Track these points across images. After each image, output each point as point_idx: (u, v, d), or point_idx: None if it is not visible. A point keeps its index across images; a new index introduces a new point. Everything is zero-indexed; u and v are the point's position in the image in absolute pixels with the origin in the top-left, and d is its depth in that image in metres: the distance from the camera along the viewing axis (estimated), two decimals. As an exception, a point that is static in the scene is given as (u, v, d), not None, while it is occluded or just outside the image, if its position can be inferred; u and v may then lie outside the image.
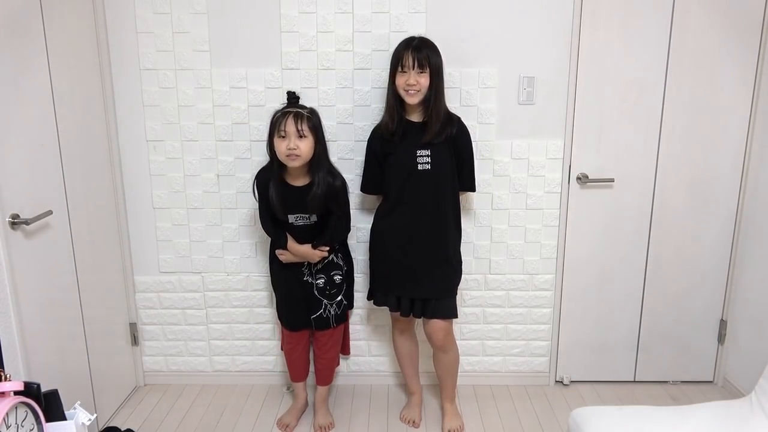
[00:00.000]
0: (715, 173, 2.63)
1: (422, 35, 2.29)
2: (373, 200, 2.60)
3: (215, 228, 2.71)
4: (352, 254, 2.57)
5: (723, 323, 2.79)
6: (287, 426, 2.52)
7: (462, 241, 2.47)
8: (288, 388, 2.82)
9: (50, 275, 2.11)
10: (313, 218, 2.31)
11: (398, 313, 2.43)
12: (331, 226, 2.33)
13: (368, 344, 2.84)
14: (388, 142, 2.31)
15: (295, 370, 2.56)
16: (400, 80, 2.21)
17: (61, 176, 2.19)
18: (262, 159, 2.47)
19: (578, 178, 2.63)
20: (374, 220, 2.45)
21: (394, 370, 2.86)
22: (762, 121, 2.55)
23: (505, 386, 2.86)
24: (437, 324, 2.38)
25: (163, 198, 2.68)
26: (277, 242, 2.37)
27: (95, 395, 2.44)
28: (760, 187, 2.58)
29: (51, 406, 1.68)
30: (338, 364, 2.67)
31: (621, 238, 2.70)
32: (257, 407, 2.70)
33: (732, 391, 2.73)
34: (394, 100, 2.26)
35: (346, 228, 2.41)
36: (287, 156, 2.18)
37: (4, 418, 1.42)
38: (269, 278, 2.55)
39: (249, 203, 2.65)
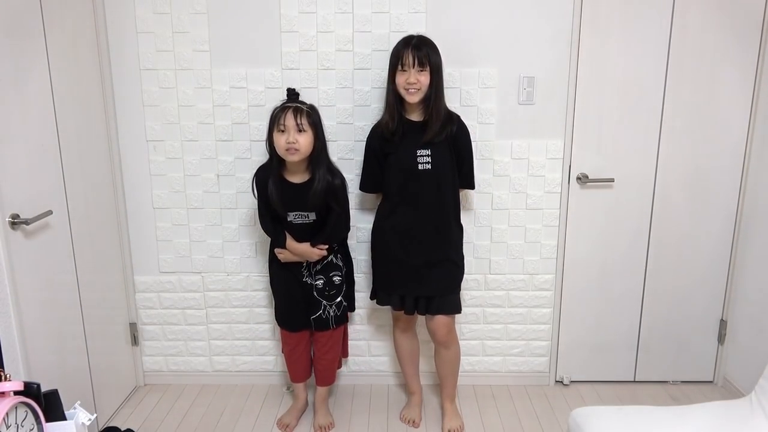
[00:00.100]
0: (715, 173, 2.63)
1: (421, 33, 2.29)
2: (373, 200, 2.60)
3: (215, 228, 2.71)
4: (352, 254, 2.57)
5: (723, 323, 2.79)
6: (287, 426, 2.52)
7: (463, 238, 2.47)
8: (288, 388, 2.82)
9: (50, 275, 2.11)
10: (312, 216, 2.31)
11: (402, 311, 2.43)
12: (330, 224, 2.32)
13: (368, 344, 2.84)
14: (388, 142, 2.31)
15: (295, 371, 2.56)
16: (401, 79, 2.20)
17: (61, 176, 2.19)
18: (261, 159, 2.47)
19: (578, 178, 2.63)
20: (375, 220, 2.44)
21: (394, 370, 2.86)
22: (762, 121, 2.55)
23: (505, 386, 2.86)
24: (441, 320, 2.38)
25: (163, 198, 2.68)
26: (276, 241, 2.37)
27: (95, 395, 2.44)
28: (760, 186, 2.58)
29: (51, 406, 1.67)
30: (340, 366, 2.67)
31: (621, 238, 2.70)
32: (257, 407, 2.70)
33: (732, 391, 2.73)
34: (394, 100, 2.26)
35: (346, 227, 2.41)
36: (286, 150, 2.18)
37: (4, 418, 1.42)
38: (269, 279, 2.55)
39: (249, 203, 2.65)
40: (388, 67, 2.27)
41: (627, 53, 2.51)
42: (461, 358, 2.63)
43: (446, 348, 2.45)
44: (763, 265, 2.57)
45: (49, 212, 2.07)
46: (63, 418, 1.70)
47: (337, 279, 2.42)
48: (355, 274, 2.62)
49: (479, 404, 2.71)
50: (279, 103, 2.26)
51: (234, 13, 2.48)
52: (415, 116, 2.30)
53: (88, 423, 1.74)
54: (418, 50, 2.18)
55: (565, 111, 2.57)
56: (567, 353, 2.84)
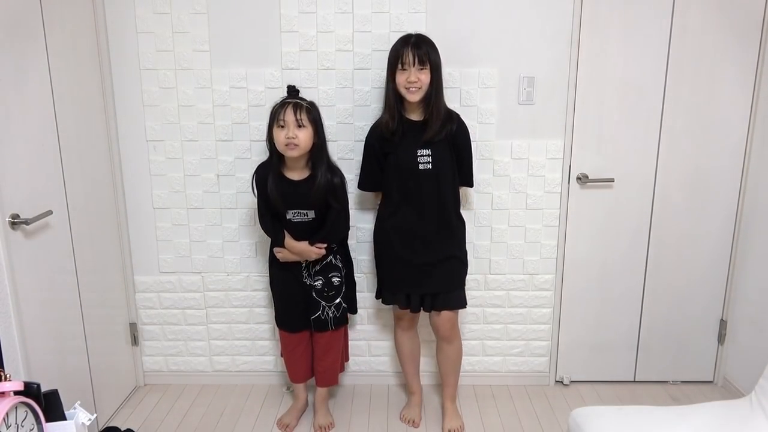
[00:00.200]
0: (715, 173, 2.63)
1: (418, 32, 2.29)
2: (372, 199, 2.60)
3: (215, 228, 2.71)
4: (351, 254, 2.57)
5: (723, 323, 2.79)
6: (287, 426, 2.52)
7: (465, 233, 2.46)
8: (288, 388, 2.82)
9: (50, 275, 2.11)
10: (311, 215, 2.30)
11: (407, 310, 2.43)
12: (329, 222, 2.32)
13: (368, 344, 2.84)
14: (388, 141, 2.31)
15: (295, 372, 2.55)
16: (401, 78, 2.20)
17: (61, 176, 2.19)
18: (261, 159, 2.47)
19: (578, 178, 2.63)
20: (377, 220, 2.44)
21: (395, 370, 2.86)
22: (762, 121, 2.55)
23: (505, 386, 2.86)
24: (445, 315, 2.40)
25: (163, 198, 2.68)
26: (275, 239, 2.37)
27: (95, 395, 2.44)
28: (760, 187, 2.58)
29: (51, 406, 1.68)
30: (342, 370, 2.66)
31: (621, 238, 2.70)
32: (257, 407, 2.70)
33: (732, 391, 2.73)
34: (394, 99, 2.26)
35: (345, 226, 2.40)
36: (285, 145, 2.18)
37: (4, 418, 1.42)
38: (269, 280, 2.54)
39: (249, 203, 2.65)
40: (386, 66, 2.27)
41: (627, 53, 2.51)
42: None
43: (449, 343, 2.46)
44: (763, 265, 2.57)
45: (49, 212, 2.07)
46: (63, 418, 1.70)
47: (336, 280, 2.41)
48: (355, 275, 2.61)
49: (479, 404, 2.71)
50: (279, 100, 2.26)
51: (234, 13, 2.48)
52: (415, 116, 2.30)
53: (88, 423, 1.74)
54: (417, 48, 2.18)
55: (565, 111, 2.57)
56: (567, 353, 2.84)
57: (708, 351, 2.84)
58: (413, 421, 2.55)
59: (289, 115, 2.17)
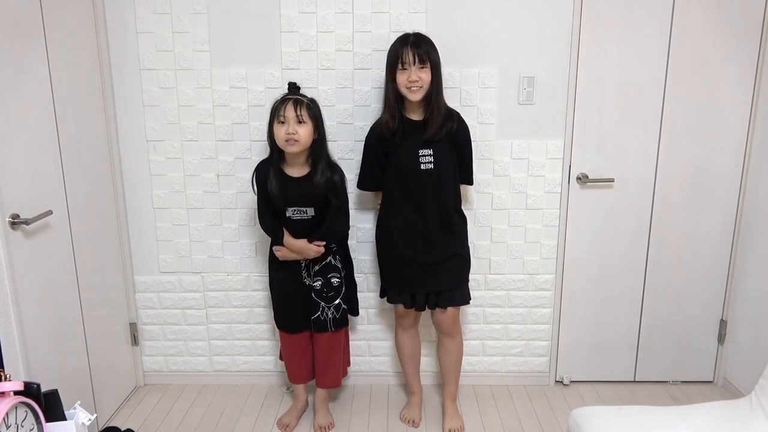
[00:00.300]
0: (715, 173, 2.63)
1: (416, 31, 2.29)
2: (372, 199, 2.60)
3: (215, 228, 2.71)
4: (352, 255, 2.56)
5: (723, 323, 2.79)
6: (287, 426, 2.52)
7: (467, 229, 2.46)
8: (288, 388, 2.82)
9: (50, 275, 2.11)
10: (311, 212, 2.30)
11: (411, 309, 2.44)
12: (328, 219, 2.32)
13: (368, 344, 2.84)
14: (389, 142, 2.31)
15: (294, 373, 2.54)
16: (402, 78, 2.20)
17: (61, 176, 2.19)
18: (261, 159, 2.46)
19: (578, 178, 2.63)
20: (379, 220, 2.44)
21: (395, 370, 2.86)
22: (762, 121, 2.55)
23: (505, 386, 2.86)
24: (449, 311, 2.41)
25: (163, 198, 2.68)
26: (274, 237, 2.36)
27: (95, 395, 2.44)
28: (760, 187, 2.58)
29: (51, 406, 1.68)
30: (345, 374, 2.63)
31: (621, 238, 2.70)
32: (257, 407, 2.70)
33: (732, 391, 2.73)
34: (395, 99, 2.26)
35: (345, 224, 2.40)
36: (286, 141, 2.18)
37: (4, 418, 1.42)
38: (269, 280, 2.54)
39: (249, 203, 2.65)
40: (385, 67, 2.27)
41: (627, 53, 2.51)
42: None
43: (451, 338, 2.46)
44: (763, 265, 2.57)
45: (49, 212, 2.07)
46: (63, 418, 1.70)
47: (335, 281, 2.41)
48: (355, 275, 2.61)
49: (479, 404, 2.71)
50: (280, 96, 2.27)
51: (234, 13, 2.48)
52: (416, 115, 2.30)
53: (88, 423, 1.74)
54: (417, 47, 2.18)
55: (565, 111, 2.57)
56: (567, 353, 2.84)
57: (708, 351, 2.84)
58: (413, 421, 2.55)
59: (289, 111, 2.18)
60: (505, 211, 2.67)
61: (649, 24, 2.48)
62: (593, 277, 2.74)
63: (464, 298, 2.44)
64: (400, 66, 2.19)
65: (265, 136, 2.40)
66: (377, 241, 2.46)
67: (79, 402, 1.83)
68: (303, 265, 2.39)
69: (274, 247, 2.38)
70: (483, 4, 2.46)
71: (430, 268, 2.35)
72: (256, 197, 2.38)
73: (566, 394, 2.79)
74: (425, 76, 2.19)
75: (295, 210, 2.30)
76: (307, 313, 2.42)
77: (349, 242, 2.57)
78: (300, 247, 2.33)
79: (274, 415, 2.63)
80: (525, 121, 2.57)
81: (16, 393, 1.51)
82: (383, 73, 2.34)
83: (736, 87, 2.54)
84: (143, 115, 2.59)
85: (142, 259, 2.74)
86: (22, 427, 1.51)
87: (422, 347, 2.68)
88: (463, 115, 2.37)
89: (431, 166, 2.26)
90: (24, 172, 1.96)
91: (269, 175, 2.27)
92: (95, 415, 1.88)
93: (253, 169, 2.36)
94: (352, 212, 2.52)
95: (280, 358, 2.63)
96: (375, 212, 2.62)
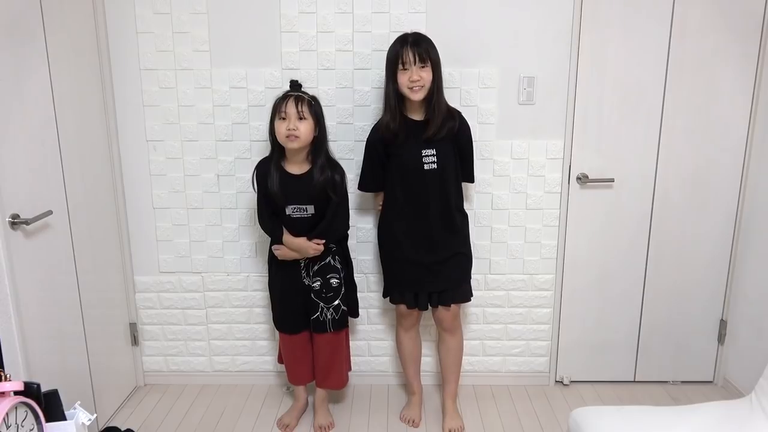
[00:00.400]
0: (715, 173, 2.63)
1: (415, 31, 2.29)
2: (372, 200, 2.60)
3: (215, 228, 2.71)
4: (351, 255, 2.56)
5: (723, 323, 2.79)
6: (287, 426, 2.52)
7: (468, 226, 2.47)
8: (288, 388, 2.82)
9: (50, 275, 2.11)
10: (310, 210, 2.30)
11: (414, 309, 2.44)
12: (328, 216, 2.32)
13: (368, 344, 2.84)
14: (391, 143, 2.31)
15: (294, 374, 2.54)
16: (403, 78, 2.19)
17: (61, 176, 2.19)
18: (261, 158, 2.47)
19: (578, 178, 2.63)
20: (382, 221, 2.44)
21: (395, 370, 2.86)
22: (762, 121, 2.55)
23: (505, 386, 2.86)
24: (451, 307, 2.42)
25: (163, 198, 2.68)
26: (273, 236, 2.36)
27: (95, 395, 2.44)
28: (760, 187, 2.58)
29: (51, 406, 1.67)
30: (347, 380, 2.59)
31: (621, 238, 2.70)
32: (257, 407, 2.70)
33: (732, 391, 2.73)
34: (395, 99, 2.25)
35: (344, 222, 2.39)
36: (286, 137, 2.19)
37: (4, 418, 1.42)
38: (268, 281, 2.53)
39: (249, 203, 2.65)
40: (385, 68, 2.27)
41: (627, 53, 2.51)
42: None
43: (452, 334, 2.47)
44: (763, 265, 2.57)
45: (49, 212, 2.07)
46: (63, 418, 1.70)
47: (334, 282, 2.41)
48: (355, 275, 2.61)
49: (479, 404, 2.71)
50: (281, 93, 2.27)
51: (234, 13, 2.48)
52: (417, 115, 2.29)
53: (88, 423, 1.74)
54: (417, 47, 2.18)
55: (565, 111, 2.57)
56: (567, 353, 2.84)
57: (708, 351, 2.83)
58: (413, 421, 2.55)
59: (290, 108, 2.18)
60: (505, 211, 2.67)
61: (649, 24, 2.48)
62: (593, 277, 2.74)
63: (466, 295, 2.45)
64: (400, 66, 2.19)
65: (265, 136, 2.40)
66: (380, 242, 2.46)
67: (79, 402, 1.83)
68: (302, 264, 2.39)
69: (273, 246, 2.38)
70: (483, 4, 2.46)
71: (435, 268, 2.35)
72: (256, 197, 2.38)
73: (566, 394, 2.79)
74: (426, 75, 2.18)
75: (294, 208, 2.30)
76: (306, 313, 2.42)
77: (349, 242, 2.57)
78: (299, 245, 2.33)
79: (274, 415, 2.63)
80: (525, 121, 2.57)
81: (16, 393, 1.51)
82: (383, 73, 2.34)
83: (736, 87, 2.54)
84: (143, 115, 2.59)
85: (142, 259, 2.74)
86: (22, 427, 1.51)
87: (423, 347, 2.68)
88: (463, 115, 2.37)
89: (435, 165, 2.26)
90: (24, 172, 1.96)
91: (270, 171, 2.28)
92: (95, 415, 1.88)
93: (254, 167, 2.36)
94: (352, 212, 2.52)
95: (279, 361, 2.62)
96: (375, 213, 2.62)
